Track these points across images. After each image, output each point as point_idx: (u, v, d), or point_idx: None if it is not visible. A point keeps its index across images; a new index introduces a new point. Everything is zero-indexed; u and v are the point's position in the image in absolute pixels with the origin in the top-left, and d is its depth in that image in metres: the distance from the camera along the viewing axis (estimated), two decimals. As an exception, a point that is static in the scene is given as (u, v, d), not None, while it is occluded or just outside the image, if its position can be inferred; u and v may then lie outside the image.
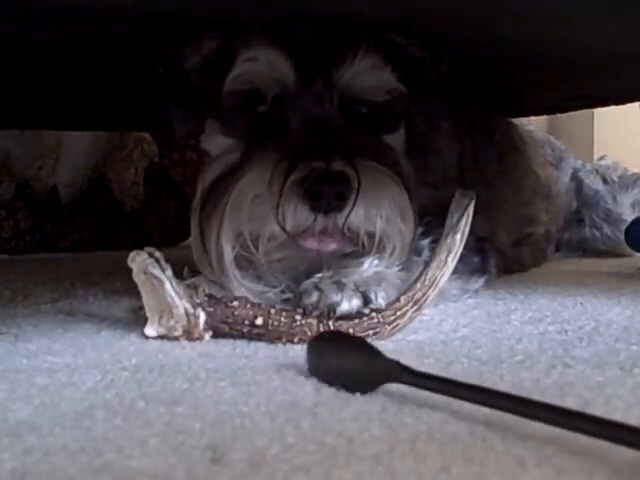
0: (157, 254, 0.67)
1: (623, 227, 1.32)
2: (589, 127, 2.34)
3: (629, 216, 1.45)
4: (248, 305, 0.67)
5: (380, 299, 0.69)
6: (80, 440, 0.41)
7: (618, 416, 0.43)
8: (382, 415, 0.45)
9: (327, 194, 0.68)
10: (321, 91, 0.75)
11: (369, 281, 0.70)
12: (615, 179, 1.55)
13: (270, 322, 0.65)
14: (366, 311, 0.67)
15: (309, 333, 0.65)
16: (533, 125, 1.52)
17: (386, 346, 0.64)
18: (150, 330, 0.68)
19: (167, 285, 0.66)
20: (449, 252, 0.69)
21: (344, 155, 0.69)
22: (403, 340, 0.67)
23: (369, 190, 0.69)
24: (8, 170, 1.70)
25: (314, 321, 0.66)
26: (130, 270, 0.68)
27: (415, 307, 0.67)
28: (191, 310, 0.66)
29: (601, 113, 2.18)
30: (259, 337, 0.66)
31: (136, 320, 0.74)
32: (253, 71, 0.76)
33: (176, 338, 0.67)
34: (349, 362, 0.51)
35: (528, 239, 1.22)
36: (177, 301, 0.66)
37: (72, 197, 1.77)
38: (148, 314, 0.68)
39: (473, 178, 1.02)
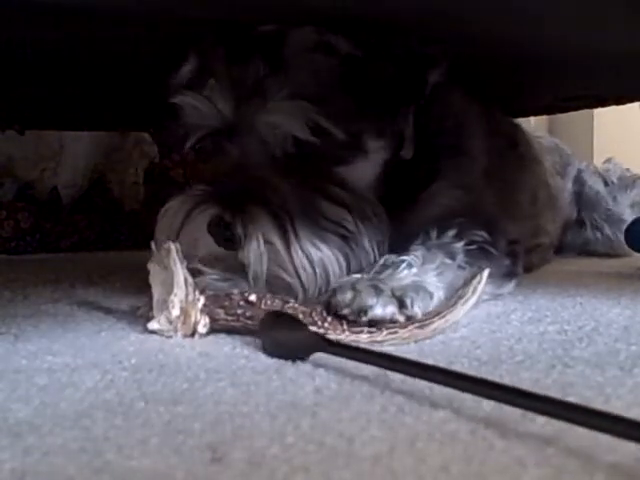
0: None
1: (623, 227, 1.32)
2: (589, 127, 2.34)
3: (629, 216, 1.46)
4: (246, 293, 0.70)
5: (416, 308, 0.69)
6: (80, 440, 0.41)
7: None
8: (382, 415, 0.45)
9: (218, 237, 0.77)
10: (245, 135, 0.79)
11: (407, 289, 0.71)
12: (615, 180, 1.55)
13: (263, 301, 0.68)
14: (400, 318, 0.67)
15: (300, 316, 0.66)
16: (539, 130, 1.53)
17: (386, 346, 0.64)
18: (153, 324, 0.68)
19: (174, 253, 0.69)
20: (459, 298, 0.69)
21: (240, 204, 0.76)
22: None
23: (260, 237, 0.75)
24: (10, 172, 1.70)
25: (307, 309, 0.67)
26: (130, 270, 0.68)
27: (417, 325, 0.66)
28: (190, 279, 0.69)
29: (601, 113, 2.18)
30: (252, 321, 0.67)
31: (136, 320, 0.74)
32: (194, 108, 0.82)
33: (174, 331, 0.68)
34: (284, 337, 0.61)
35: (537, 249, 1.21)
36: (180, 268, 0.69)
37: (72, 198, 1.77)
38: (155, 311, 0.69)
39: (498, 185, 1.02)
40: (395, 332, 0.65)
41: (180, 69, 0.85)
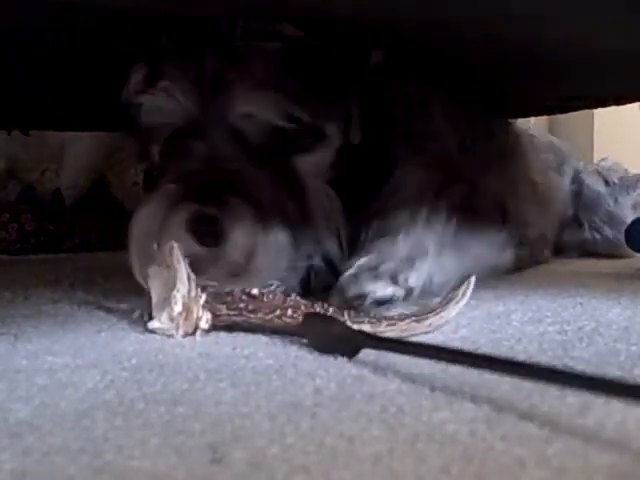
0: None
1: (624, 229, 1.32)
2: (589, 127, 2.34)
3: (630, 217, 1.45)
4: (247, 289, 0.70)
5: (411, 282, 0.76)
6: (80, 440, 0.41)
7: (618, 416, 0.43)
8: (382, 415, 0.45)
9: (201, 234, 0.76)
10: (213, 129, 0.79)
11: (402, 267, 0.76)
12: (616, 181, 1.54)
13: (265, 295, 0.69)
14: (401, 292, 0.74)
15: (302, 307, 0.67)
16: (535, 130, 1.53)
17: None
18: (154, 322, 0.69)
19: (177, 250, 0.69)
20: (451, 299, 0.71)
21: (220, 197, 0.75)
22: (403, 340, 0.67)
23: (240, 229, 0.76)
24: (14, 174, 1.71)
25: (308, 302, 0.68)
26: (130, 271, 0.68)
27: (413, 319, 0.68)
28: (193, 276, 0.69)
29: (601, 113, 2.18)
30: (255, 314, 0.68)
31: (136, 320, 0.74)
32: (155, 107, 0.82)
33: (176, 329, 0.68)
34: (330, 335, 0.62)
35: (523, 239, 1.22)
36: (182, 265, 0.69)
37: (74, 199, 1.77)
38: (155, 312, 0.69)
39: (474, 169, 1.03)
40: (394, 324, 0.66)
41: (129, 80, 0.85)
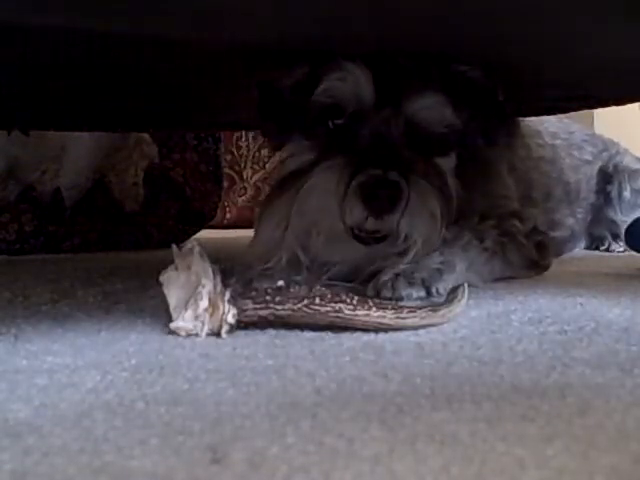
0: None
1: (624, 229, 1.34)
2: (589, 127, 2.34)
3: None
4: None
5: (433, 290, 0.87)
6: (80, 440, 0.41)
7: (617, 417, 0.44)
8: (382, 415, 0.45)
9: (381, 197, 0.83)
10: (390, 116, 0.89)
11: (433, 277, 0.87)
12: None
13: (291, 286, 0.71)
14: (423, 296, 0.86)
15: (329, 296, 0.69)
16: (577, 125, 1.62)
17: (386, 347, 0.64)
18: (177, 322, 0.68)
19: (198, 248, 0.70)
20: (455, 297, 0.76)
21: (399, 169, 0.84)
22: (403, 341, 0.67)
23: (415, 201, 0.84)
24: (14, 174, 1.70)
25: (328, 292, 0.70)
26: (130, 270, 0.68)
27: (429, 309, 0.74)
28: (217, 271, 0.70)
29: (601, 113, 2.18)
30: (282, 305, 0.68)
31: (136, 320, 0.74)
32: (338, 88, 0.90)
33: (201, 328, 0.68)
34: None
35: (552, 241, 1.31)
36: (207, 261, 0.69)
37: (74, 199, 1.77)
38: (174, 315, 0.69)
39: (519, 185, 1.20)
40: (414, 311, 0.72)
41: (292, 72, 0.93)
